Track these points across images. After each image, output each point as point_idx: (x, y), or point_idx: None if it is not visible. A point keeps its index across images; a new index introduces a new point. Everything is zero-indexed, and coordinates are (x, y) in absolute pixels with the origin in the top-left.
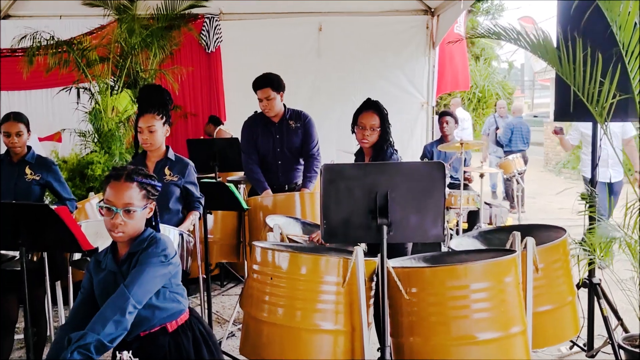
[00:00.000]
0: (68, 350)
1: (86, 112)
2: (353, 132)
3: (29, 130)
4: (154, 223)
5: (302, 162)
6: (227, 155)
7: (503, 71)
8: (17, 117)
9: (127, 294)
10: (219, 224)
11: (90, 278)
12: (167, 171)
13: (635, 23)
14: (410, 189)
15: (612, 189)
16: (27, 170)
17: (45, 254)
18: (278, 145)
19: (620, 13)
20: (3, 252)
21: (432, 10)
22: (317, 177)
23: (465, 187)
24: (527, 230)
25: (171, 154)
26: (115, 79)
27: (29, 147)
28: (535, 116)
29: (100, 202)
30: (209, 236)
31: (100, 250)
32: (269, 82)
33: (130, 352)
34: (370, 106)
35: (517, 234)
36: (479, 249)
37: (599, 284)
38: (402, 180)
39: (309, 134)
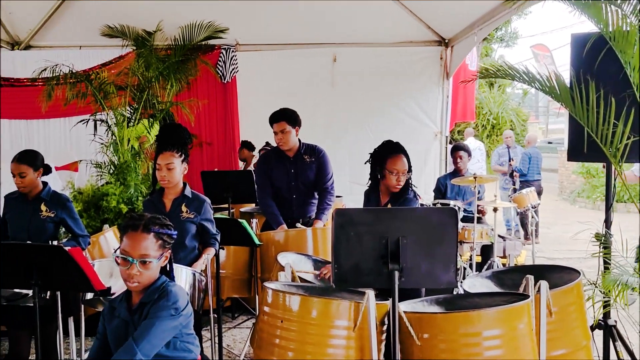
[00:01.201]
0: None
1: (102, 144)
2: (380, 176)
3: (36, 169)
4: (168, 269)
5: (316, 195)
6: (240, 187)
7: (517, 97)
8: (20, 159)
9: (135, 349)
10: (231, 258)
11: (104, 324)
12: (183, 208)
13: None
14: (422, 235)
15: None
16: (42, 207)
17: (58, 292)
18: (293, 179)
19: (634, 55)
20: (16, 290)
21: (446, 41)
22: (330, 210)
23: (479, 220)
24: (540, 271)
25: (188, 191)
26: (132, 110)
27: (45, 183)
28: (549, 142)
29: (116, 251)
30: (220, 271)
31: (113, 290)
32: (285, 117)
33: None
34: (400, 150)
35: (531, 278)
36: (492, 292)
37: (614, 326)
38: (413, 227)
39: (324, 169)
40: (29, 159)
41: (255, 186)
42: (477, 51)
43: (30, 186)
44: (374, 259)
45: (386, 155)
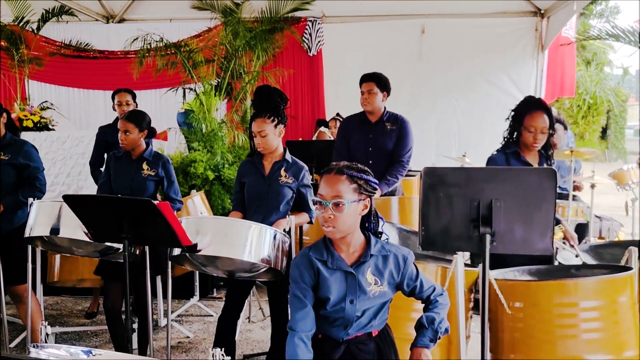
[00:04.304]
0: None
1: (186, 110)
2: (517, 134)
3: (142, 130)
4: (373, 223)
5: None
6: (324, 157)
7: (616, 77)
8: (128, 117)
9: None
10: (315, 226)
11: (313, 276)
12: (282, 172)
13: None
14: (517, 197)
15: None
16: (144, 166)
17: (147, 249)
18: (371, 145)
19: None
20: (108, 244)
21: (542, 11)
22: (395, 184)
23: (573, 198)
24: None
25: (288, 156)
26: (219, 80)
27: (148, 144)
28: None
29: (315, 196)
30: (304, 237)
31: (199, 247)
32: (375, 78)
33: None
34: (540, 106)
35: (634, 250)
36: (589, 264)
37: None
38: (508, 188)
39: (403, 139)
40: (135, 119)
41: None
42: (575, 25)
43: (132, 144)
44: (465, 221)
45: (525, 111)
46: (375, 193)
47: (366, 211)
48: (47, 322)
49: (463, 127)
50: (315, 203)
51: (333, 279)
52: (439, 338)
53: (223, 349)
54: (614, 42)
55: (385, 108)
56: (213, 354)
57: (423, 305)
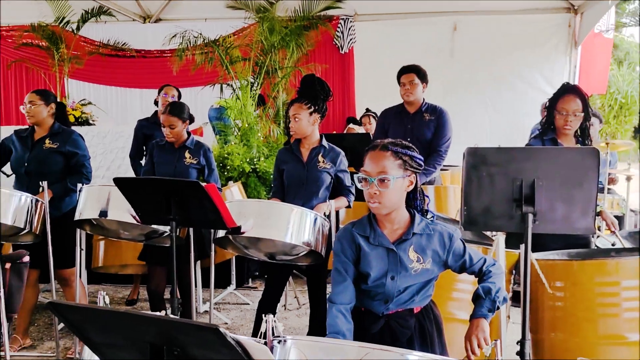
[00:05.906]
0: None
1: (227, 108)
2: (550, 120)
3: (185, 121)
4: (418, 201)
5: None
6: (357, 151)
7: None
8: (171, 111)
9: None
10: (351, 214)
11: (354, 250)
12: (320, 158)
13: None
14: (559, 176)
15: None
16: (187, 155)
17: (192, 233)
18: (409, 135)
19: None
20: (154, 226)
21: (576, 7)
22: (432, 175)
23: (609, 191)
24: None
25: (325, 142)
26: (255, 75)
27: (189, 133)
28: None
29: (359, 173)
30: (340, 225)
31: (243, 229)
32: (415, 70)
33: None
34: (573, 90)
35: None
36: (629, 247)
37: None
38: (550, 167)
39: (442, 129)
40: (178, 112)
41: None
42: (612, 22)
43: (178, 137)
44: (507, 201)
45: (558, 95)
46: (420, 170)
47: (411, 187)
48: (105, 292)
49: (495, 124)
50: (360, 180)
51: (374, 254)
52: (498, 308)
53: (276, 314)
54: None
55: (424, 99)
56: (266, 320)
57: (477, 279)
